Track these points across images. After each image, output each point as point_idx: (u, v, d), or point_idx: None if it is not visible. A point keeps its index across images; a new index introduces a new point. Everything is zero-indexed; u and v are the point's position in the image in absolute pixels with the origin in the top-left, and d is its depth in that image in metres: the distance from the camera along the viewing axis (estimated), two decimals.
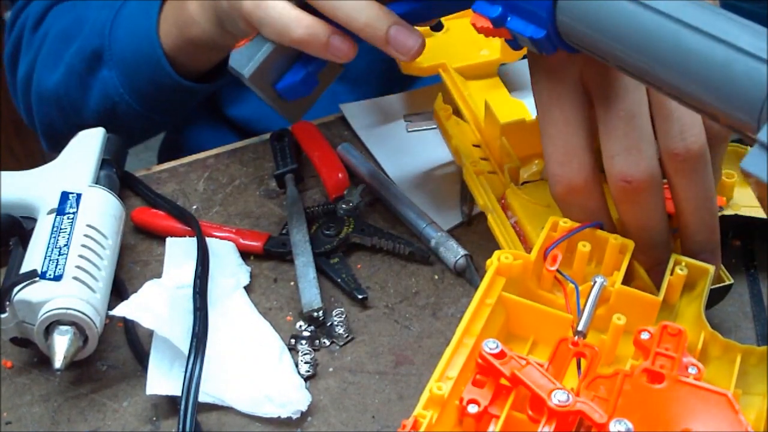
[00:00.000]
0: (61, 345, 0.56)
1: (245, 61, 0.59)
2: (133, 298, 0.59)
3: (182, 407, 0.54)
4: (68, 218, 0.62)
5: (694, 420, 0.43)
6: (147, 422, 0.57)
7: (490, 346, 0.47)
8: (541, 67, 0.55)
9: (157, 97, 0.79)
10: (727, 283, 0.58)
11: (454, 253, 0.66)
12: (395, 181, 0.73)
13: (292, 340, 0.61)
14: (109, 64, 0.79)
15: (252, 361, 0.60)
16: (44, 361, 0.59)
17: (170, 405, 0.57)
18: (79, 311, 0.56)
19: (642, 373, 0.45)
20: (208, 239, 0.66)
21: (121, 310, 0.58)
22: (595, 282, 0.53)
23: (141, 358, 0.60)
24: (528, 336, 0.54)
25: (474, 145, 0.70)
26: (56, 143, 0.69)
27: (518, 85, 0.79)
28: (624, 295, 0.53)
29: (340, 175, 0.72)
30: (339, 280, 0.65)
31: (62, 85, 0.83)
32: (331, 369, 0.60)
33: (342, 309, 0.64)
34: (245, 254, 0.67)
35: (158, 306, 0.59)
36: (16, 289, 0.57)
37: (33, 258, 0.59)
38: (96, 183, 0.66)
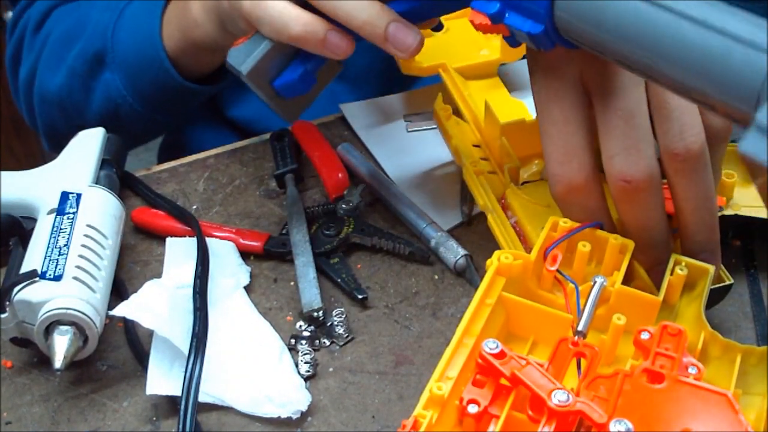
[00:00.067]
0: (61, 345, 0.56)
1: (243, 57, 0.60)
2: (133, 298, 0.59)
3: (182, 407, 0.54)
4: (68, 218, 0.62)
5: (694, 420, 0.43)
6: (147, 422, 0.57)
7: (490, 346, 0.47)
8: (540, 66, 0.55)
9: (160, 98, 0.79)
10: (727, 283, 0.58)
11: (454, 253, 0.66)
12: (395, 181, 0.73)
13: (292, 340, 0.61)
14: (111, 67, 0.79)
15: (252, 361, 0.60)
16: (44, 361, 0.59)
17: (170, 405, 0.57)
18: (79, 311, 0.56)
19: (642, 373, 0.45)
20: (208, 239, 0.66)
21: (121, 310, 0.58)
22: (595, 282, 0.53)
23: (141, 358, 0.60)
24: (528, 336, 0.54)
25: (474, 145, 0.70)
26: (58, 144, 0.69)
27: (518, 85, 0.79)
28: (624, 295, 0.53)
29: (340, 175, 0.72)
30: (339, 280, 0.65)
31: (64, 87, 0.83)
32: (331, 369, 0.60)
33: (342, 309, 0.64)
34: (245, 254, 0.67)
35: (158, 306, 0.59)
36: (16, 289, 0.57)
37: (33, 258, 0.59)
38: (96, 183, 0.66)
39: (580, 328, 0.51)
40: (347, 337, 0.62)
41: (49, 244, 0.60)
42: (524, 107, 0.69)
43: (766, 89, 0.40)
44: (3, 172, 0.66)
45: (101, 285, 0.60)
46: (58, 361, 0.56)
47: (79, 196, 0.64)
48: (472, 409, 0.46)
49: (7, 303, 0.57)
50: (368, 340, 0.62)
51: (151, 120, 0.81)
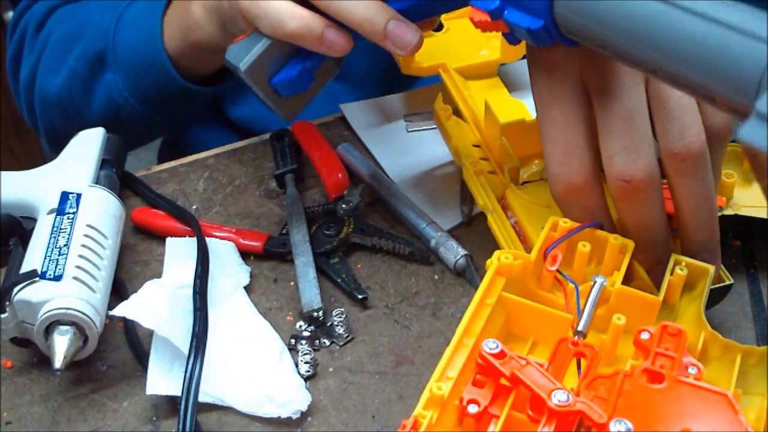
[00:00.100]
0: (61, 345, 0.56)
1: (241, 54, 0.59)
2: (133, 298, 0.59)
3: (182, 407, 0.54)
4: (68, 218, 0.62)
5: (694, 420, 0.43)
6: (147, 422, 0.57)
7: (490, 346, 0.47)
8: (540, 65, 0.55)
9: (161, 100, 0.79)
10: (727, 283, 0.58)
11: (454, 253, 0.66)
12: (395, 181, 0.73)
13: (292, 340, 0.61)
14: (112, 68, 0.79)
15: (252, 361, 0.60)
16: (44, 361, 0.59)
17: (170, 405, 0.57)
18: (79, 311, 0.56)
19: (642, 373, 0.45)
20: (208, 239, 0.66)
21: (121, 310, 0.58)
22: (595, 282, 0.53)
23: (141, 358, 0.60)
24: (528, 336, 0.54)
25: (474, 145, 0.70)
26: (59, 145, 0.69)
27: (518, 85, 0.79)
28: (624, 295, 0.53)
29: (340, 175, 0.72)
30: (339, 280, 0.65)
31: (65, 88, 0.83)
32: (331, 369, 0.60)
33: (342, 309, 0.64)
34: (245, 254, 0.67)
35: (158, 306, 0.59)
36: (16, 289, 0.57)
37: (33, 258, 0.59)
38: (96, 183, 0.66)
39: (580, 328, 0.51)
40: (347, 337, 0.62)
41: (49, 244, 0.60)
42: (524, 107, 0.69)
43: (766, 79, 0.40)
44: (3, 172, 0.66)
45: (101, 285, 0.60)
46: (58, 361, 0.56)
47: (79, 196, 0.64)
48: (472, 409, 0.46)
49: (7, 303, 0.57)
50: (368, 340, 0.62)
51: (152, 121, 0.81)
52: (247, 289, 0.65)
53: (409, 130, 0.79)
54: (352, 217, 0.69)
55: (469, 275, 0.66)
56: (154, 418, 0.57)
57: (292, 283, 0.66)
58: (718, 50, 0.42)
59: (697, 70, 0.43)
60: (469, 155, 0.69)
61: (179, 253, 0.66)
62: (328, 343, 0.62)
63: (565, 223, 0.55)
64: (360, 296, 0.64)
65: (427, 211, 0.69)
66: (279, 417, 0.56)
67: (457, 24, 0.79)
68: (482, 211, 0.65)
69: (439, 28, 0.78)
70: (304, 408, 0.56)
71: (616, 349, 0.53)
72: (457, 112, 0.73)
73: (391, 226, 0.70)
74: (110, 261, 0.62)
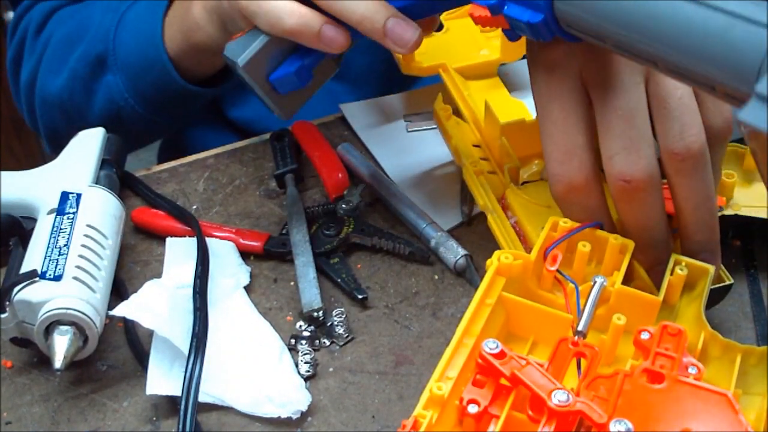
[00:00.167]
0: (61, 345, 0.56)
1: (240, 50, 0.59)
2: (133, 298, 0.59)
3: (182, 407, 0.54)
4: (68, 218, 0.62)
5: (694, 420, 0.43)
6: (147, 422, 0.57)
7: (490, 346, 0.47)
8: (540, 64, 0.55)
9: (162, 101, 0.79)
10: (727, 283, 0.58)
11: (454, 253, 0.66)
12: (395, 181, 0.73)
13: (292, 340, 0.61)
14: (113, 69, 0.79)
15: (252, 361, 0.60)
16: (44, 361, 0.59)
17: (170, 405, 0.57)
18: (79, 311, 0.56)
19: (642, 373, 0.45)
20: (208, 239, 0.66)
21: (121, 310, 0.58)
22: (595, 282, 0.53)
23: (141, 358, 0.60)
24: (528, 336, 0.54)
25: (474, 145, 0.70)
26: (60, 146, 0.70)
27: (518, 85, 0.79)
28: (624, 295, 0.53)
29: (340, 175, 0.72)
30: (339, 280, 0.65)
31: (66, 89, 0.83)
32: (331, 369, 0.60)
33: (342, 309, 0.64)
34: (245, 254, 0.67)
35: (158, 306, 0.59)
36: (16, 289, 0.57)
37: (33, 258, 0.59)
38: (96, 183, 0.66)
39: (580, 328, 0.51)
40: (347, 337, 0.62)
41: (49, 244, 0.60)
42: (524, 107, 0.69)
43: (766, 65, 0.40)
44: (3, 172, 0.66)
45: (101, 285, 0.60)
46: (58, 361, 0.56)
47: (79, 196, 0.64)
48: (472, 409, 0.46)
49: (7, 303, 0.57)
50: (368, 340, 0.62)
51: (152, 122, 0.81)
52: (247, 289, 0.65)
53: (409, 130, 0.79)
54: (352, 217, 0.69)
55: (469, 275, 0.66)
56: (154, 418, 0.57)
57: (292, 283, 0.66)
58: (718, 37, 0.42)
59: (697, 58, 0.43)
60: (469, 155, 0.69)
61: (179, 253, 0.66)
62: (328, 343, 0.62)
63: (565, 223, 0.55)
64: (360, 296, 0.64)
65: (427, 211, 0.69)
66: (279, 417, 0.56)
67: (457, 24, 0.79)
68: (482, 211, 0.65)
69: (439, 28, 0.78)
70: (304, 408, 0.56)
71: (616, 349, 0.53)
72: (457, 112, 0.73)
73: (391, 226, 0.70)
74: (110, 261, 0.62)
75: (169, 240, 0.67)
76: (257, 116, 0.92)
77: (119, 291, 0.64)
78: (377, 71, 0.91)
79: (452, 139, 0.71)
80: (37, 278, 0.58)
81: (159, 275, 0.65)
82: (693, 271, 0.55)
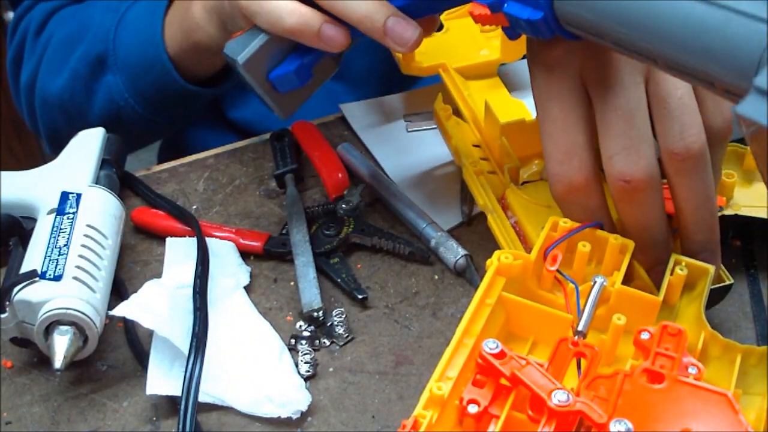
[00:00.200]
0: (61, 345, 0.56)
1: (240, 48, 0.59)
2: (133, 298, 0.59)
3: (182, 407, 0.54)
4: (68, 218, 0.62)
5: (694, 420, 0.43)
6: (147, 422, 0.57)
7: (490, 346, 0.47)
8: (540, 63, 0.55)
9: (162, 101, 0.79)
10: (727, 283, 0.58)
11: (454, 253, 0.66)
12: (395, 181, 0.73)
13: (292, 340, 0.61)
14: (113, 69, 0.79)
15: (252, 361, 0.60)
16: (44, 361, 0.59)
17: (170, 405, 0.57)
18: (79, 311, 0.56)
19: (642, 373, 0.45)
20: (208, 239, 0.66)
21: (121, 310, 0.58)
22: (595, 282, 0.53)
23: (141, 358, 0.60)
24: (528, 336, 0.54)
25: (474, 145, 0.70)
26: (60, 147, 0.70)
27: (518, 85, 0.79)
28: (624, 295, 0.53)
29: (340, 175, 0.72)
30: (339, 280, 0.65)
31: (66, 90, 0.83)
32: (331, 369, 0.60)
33: (342, 309, 0.64)
34: (245, 254, 0.67)
35: (158, 306, 0.59)
36: (16, 289, 0.57)
37: (33, 258, 0.59)
38: (96, 183, 0.66)
39: (580, 328, 0.51)
40: (347, 337, 0.62)
41: (49, 244, 0.60)
42: (524, 107, 0.69)
43: (765, 59, 0.40)
44: (3, 172, 0.66)
45: (101, 285, 0.60)
46: (58, 361, 0.56)
47: (79, 196, 0.64)
48: (472, 409, 0.46)
49: (7, 303, 0.57)
50: (368, 340, 0.62)
51: (153, 122, 0.81)
52: (247, 289, 0.65)
53: (409, 130, 0.79)
54: (352, 217, 0.69)
55: (469, 275, 0.66)
56: (154, 418, 0.57)
57: (292, 283, 0.66)
58: (717, 32, 0.42)
59: (696, 54, 0.43)
60: (469, 155, 0.69)
61: (179, 253, 0.66)
62: (328, 343, 0.62)
63: (565, 223, 0.55)
64: (360, 296, 0.64)
65: (427, 211, 0.69)
66: (279, 417, 0.56)
67: (457, 24, 0.79)
68: (482, 211, 0.65)
69: (439, 28, 0.78)
70: (304, 408, 0.56)
71: (616, 349, 0.53)
72: (457, 112, 0.73)
73: (391, 226, 0.70)
74: (110, 261, 0.62)
75: (169, 240, 0.67)
76: (257, 117, 0.92)
77: (119, 291, 0.64)
78: (377, 71, 0.91)
79: (452, 139, 0.71)
80: (37, 278, 0.58)
81: (159, 275, 0.65)
82: (693, 271, 0.55)
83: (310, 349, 0.61)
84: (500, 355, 0.46)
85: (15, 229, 0.63)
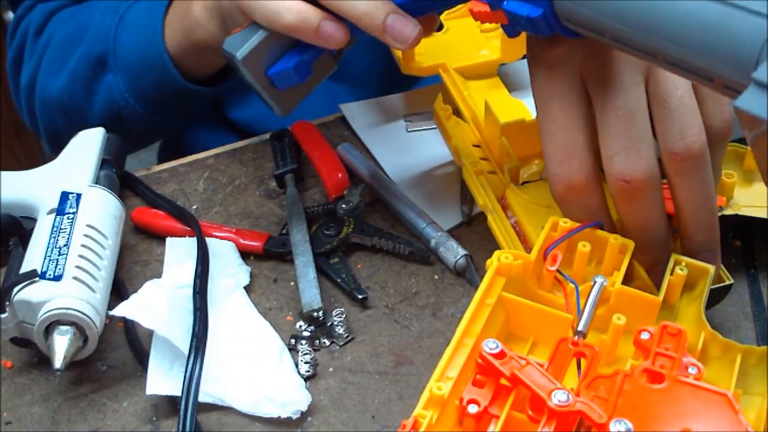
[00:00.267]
0: (61, 345, 0.56)
1: (238, 44, 0.59)
2: (133, 298, 0.59)
3: (182, 407, 0.54)
4: (68, 218, 0.62)
5: (694, 420, 0.43)
6: (147, 422, 0.57)
7: (490, 346, 0.47)
8: (540, 62, 0.55)
9: (163, 100, 0.79)
10: (727, 283, 0.58)
11: (454, 253, 0.66)
12: (395, 181, 0.73)
13: (292, 340, 0.61)
14: (113, 69, 0.79)
15: (252, 361, 0.60)
16: (44, 361, 0.59)
17: (170, 405, 0.57)
18: (79, 311, 0.56)
19: (642, 373, 0.45)
20: (208, 239, 0.66)
21: (121, 310, 0.58)
22: (595, 282, 0.53)
23: (141, 358, 0.60)
24: (528, 336, 0.54)
25: (474, 145, 0.70)
26: (60, 148, 0.70)
27: (518, 85, 0.79)
28: (624, 295, 0.53)
29: (340, 175, 0.72)
30: (339, 280, 0.65)
31: (66, 90, 0.83)
32: (331, 369, 0.60)
33: (342, 309, 0.64)
34: (245, 254, 0.67)
35: (158, 306, 0.59)
36: (16, 289, 0.57)
37: (33, 258, 0.59)
38: (96, 183, 0.66)
39: (580, 328, 0.51)
40: (347, 337, 0.62)
41: (49, 244, 0.60)
42: (524, 107, 0.69)
43: (765, 53, 0.40)
44: (3, 172, 0.66)
45: (101, 285, 0.60)
46: (58, 361, 0.56)
47: (79, 196, 0.64)
48: (472, 409, 0.46)
49: (7, 303, 0.57)
50: (368, 340, 0.62)
51: (153, 122, 0.81)
52: (247, 289, 0.65)
53: (409, 130, 0.79)
54: (352, 217, 0.69)
55: (469, 275, 0.66)
56: (154, 418, 0.57)
57: (292, 283, 0.66)
58: (717, 27, 0.42)
59: (696, 49, 0.43)
60: (469, 155, 0.69)
61: (179, 253, 0.66)
62: (328, 343, 0.62)
63: (565, 223, 0.55)
64: (360, 296, 0.64)
65: (427, 211, 0.69)
66: (279, 417, 0.56)
67: (457, 24, 0.79)
68: (482, 211, 0.65)
69: (439, 28, 0.78)
70: (304, 408, 0.56)
71: (616, 349, 0.53)
72: (457, 112, 0.73)
73: (391, 226, 0.70)
74: (110, 261, 0.62)
75: (169, 240, 0.67)
76: (257, 117, 0.92)
77: (119, 291, 0.64)
78: (377, 71, 0.91)
79: (452, 139, 0.71)
80: (37, 278, 0.58)
81: (159, 275, 0.65)
82: (693, 271, 0.55)
83: (310, 349, 0.61)
84: (500, 355, 0.46)
85: (15, 229, 0.63)
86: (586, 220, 0.55)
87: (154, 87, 0.78)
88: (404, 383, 0.59)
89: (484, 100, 0.69)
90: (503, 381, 0.46)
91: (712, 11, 0.42)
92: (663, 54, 0.45)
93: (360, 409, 0.58)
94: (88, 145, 0.69)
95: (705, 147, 0.53)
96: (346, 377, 0.60)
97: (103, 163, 0.69)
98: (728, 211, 0.64)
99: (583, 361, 0.49)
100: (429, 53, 0.75)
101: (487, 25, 0.76)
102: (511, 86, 0.77)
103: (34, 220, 0.63)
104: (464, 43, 0.77)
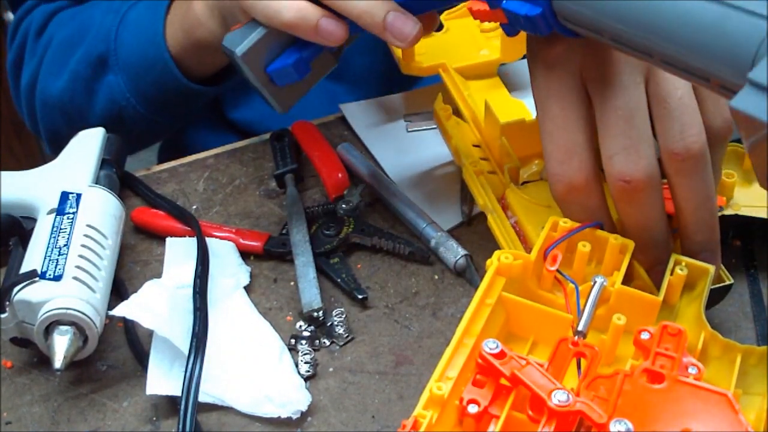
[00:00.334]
0: (61, 345, 0.56)
1: (238, 40, 0.59)
2: (133, 298, 0.59)
3: (182, 407, 0.54)
4: (68, 218, 0.62)
5: (694, 420, 0.43)
6: (147, 422, 0.57)
7: (490, 346, 0.47)
8: (540, 62, 0.55)
9: (164, 100, 0.79)
10: (727, 283, 0.58)
11: (454, 253, 0.66)
12: (395, 181, 0.73)
13: (292, 340, 0.61)
14: (114, 69, 0.79)
15: (252, 361, 0.60)
16: (44, 361, 0.59)
17: (170, 405, 0.57)
18: (79, 311, 0.56)
19: (642, 373, 0.45)
20: (208, 239, 0.66)
21: (121, 310, 0.58)
22: (595, 282, 0.53)
23: (141, 358, 0.60)
24: (528, 336, 0.54)
25: (474, 145, 0.70)
26: (61, 148, 0.70)
27: (518, 85, 0.79)
28: (624, 295, 0.53)
29: (340, 175, 0.72)
30: (339, 280, 0.65)
31: (67, 91, 0.83)
32: (331, 369, 0.60)
33: (342, 309, 0.64)
34: (245, 254, 0.67)
35: (158, 306, 0.59)
36: (16, 289, 0.57)
37: (33, 258, 0.59)
38: (96, 183, 0.66)
39: (580, 328, 0.51)
40: (347, 337, 0.62)
41: (49, 244, 0.60)
42: (524, 107, 0.69)
43: (761, 53, 0.40)
44: (3, 172, 0.66)
45: (101, 285, 0.60)
46: (58, 361, 0.56)
47: (79, 196, 0.64)
48: (472, 409, 0.46)
49: (7, 303, 0.57)
50: (368, 340, 0.62)
51: (154, 122, 0.81)
52: (247, 289, 0.65)
53: (409, 130, 0.79)
54: (352, 217, 0.69)
55: (469, 275, 0.66)
56: (154, 418, 0.57)
57: (292, 283, 0.66)
58: (714, 27, 0.42)
59: (693, 49, 0.43)
60: (469, 155, 0.69)
61: (179, 253, 0.66)
62: (328, 343, 0.62)
63: (565, 223, 0.55)
64: (360, 296, 0.64)
65: (427, 211, 0.69)
66: (279, 417, 0.56)
67: (457, 24, 0.79)
68: (482, 211, 0.65)
69: (439, 28, 0.78)
70: (304, 408, 0.56)
71: (616, 349, 0.53)
72: (457, 112, 0.73)
73: (391, 226, 0.70)
74: (110, 261, 0.62)
75: (169, 240, 0.67)
76: (258, 117, 0.92)
77: (119, 291, 0.64)
78: (377, 71, 0.91)
79: (452, 139, 0.71)
80: (37, 278, 0.58)
81: (159, 275, 0.65)
82: (693, 271, 0.55)
83: (310, 349, 0.61)
84: (500, 355, 0.46)
85: (15, 229, 0.63)
86: (586, 220, 0.55)
87: (155, 87, 0.78)
88: (404, 383, 0.59)
89: (484, 100, 0.69)
90: (503, 381, 0.46)
91: (708, 11, 0.42)
92: (660, 53, 0.45)
93: (360, 409, 0.58)
94: (88, 145, 0.69)
95: (705, 147, 0.53)
96: (346, 377, 0.60)
97: (103, 163, 0.69)
98: (728, 211, 0.64)
99: (583, 361, 0.49)
100: (429, 53, 0.75)
101: (487, 25, 0.76)
102: (511, 86, 0.77)
103: (34, 220, 0.63)
104: (464, 43, 0.77)
